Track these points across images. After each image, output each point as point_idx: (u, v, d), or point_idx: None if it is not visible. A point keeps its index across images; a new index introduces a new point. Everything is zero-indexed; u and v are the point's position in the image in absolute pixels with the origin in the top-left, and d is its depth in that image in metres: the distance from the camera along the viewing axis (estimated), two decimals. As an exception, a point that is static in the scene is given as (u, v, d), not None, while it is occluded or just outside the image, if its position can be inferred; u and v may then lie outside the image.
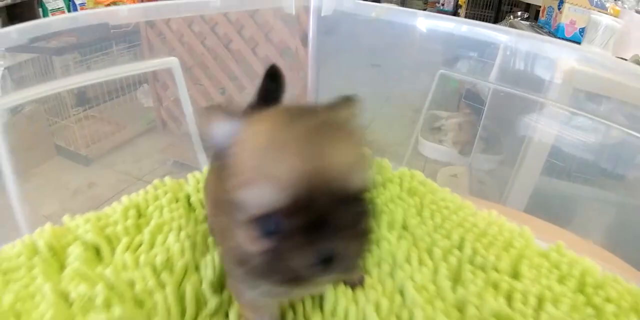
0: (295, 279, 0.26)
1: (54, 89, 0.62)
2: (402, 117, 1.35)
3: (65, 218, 0.55)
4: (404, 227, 0.54)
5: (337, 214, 0.25)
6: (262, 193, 0.25)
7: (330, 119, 0.28)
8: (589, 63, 0.70)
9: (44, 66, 1.58)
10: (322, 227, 0.25)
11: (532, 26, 1.75)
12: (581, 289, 0.49)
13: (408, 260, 0.49)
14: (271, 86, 0.47)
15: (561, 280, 0.50)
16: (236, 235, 0.28)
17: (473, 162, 1.43)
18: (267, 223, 0.25)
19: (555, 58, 0.74)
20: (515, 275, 0.49)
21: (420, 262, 0.49)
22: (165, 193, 0.58)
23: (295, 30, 1.27)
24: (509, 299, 0.46)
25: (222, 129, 0.29)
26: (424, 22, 0.77)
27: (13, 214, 0.60)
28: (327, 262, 0.25)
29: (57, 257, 0.50)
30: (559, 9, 1.41)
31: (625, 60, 1.26)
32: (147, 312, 0.42)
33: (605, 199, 0.98)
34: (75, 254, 0.49)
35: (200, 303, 0.44)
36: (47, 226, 0.54)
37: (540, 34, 1.60)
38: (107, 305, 0.42)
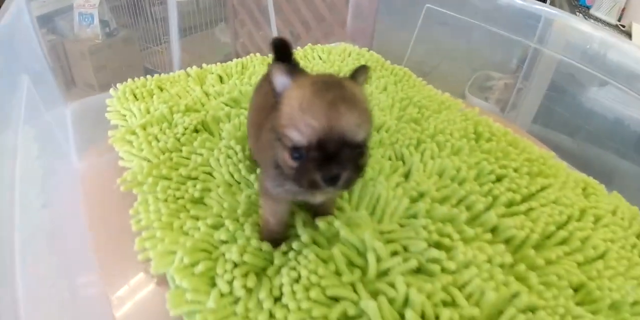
0: (312, 186, 0.40)
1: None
2: (456, 74, 1.49)
3: (203, 65, 1.01)
4: (385, 88, 0.95)
5: (341, 154, 0.39)
6: (294, 135, 0.40)
7: (348, 91, 0.40)
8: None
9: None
10: (332, 160, 0.39)
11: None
12: (475, 126, 0.87)
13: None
14: (283, 57, 0.63)
15: (464, 118, 0.88)
16: (280, 152, 0.43)
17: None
18: (296, 152, 0.41)
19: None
20: (437, 111, 0.89)
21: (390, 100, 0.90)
22: (258, 58, 1.03)
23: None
24: (427, 118, 0.86)
25: (279, 80, 0.43)
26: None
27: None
28: (331, 180, 0.39)
29: (200, 79, 0.96)
30: (584, -20, 1.64)
31: (623, 26, 1.51)
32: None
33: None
34: (209, 78, 0.95)
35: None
36: (194, 67, 1.00)
37: (571, 2, 1.83)
38: (232, 99, 0.87)
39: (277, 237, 0.57)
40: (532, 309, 0.53)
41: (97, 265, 0.62)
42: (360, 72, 0.45)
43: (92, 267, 0.62)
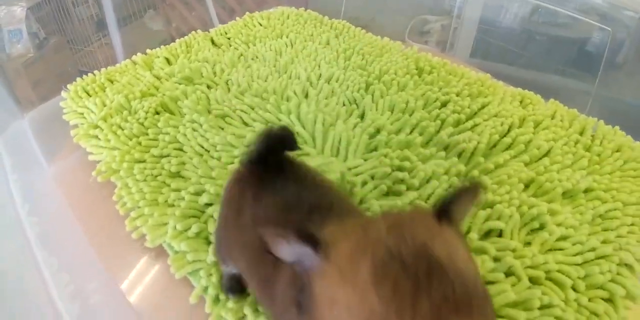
0: None
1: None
2: (394, 23, 1.52)
3: (147, 51, 1.02)
4: (327, 43, 0.99)
5: None
6: None
7: (452, 273, 0.22)
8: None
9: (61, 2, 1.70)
10: None
11: None
12: (416, 62, 0.92)
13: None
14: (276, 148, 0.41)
15: (405, 57, 0.94)
16: None
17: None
18: None
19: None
20: (379, 55, 0.94)
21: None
22: (200, 35, 1.04)
23: None
24: (371, 63, 0.91)
25: (300, 255, 0.25)
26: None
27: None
28: None
29: (148, 64, 0.97)
30: None
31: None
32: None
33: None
34: (157, 62, 0.97)
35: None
36: (139, 54, 1.01)
37: None
38: (184, 78, 0.89)
39: None
40: (490, 206, 0.61)
41: (97, 258, 0.65)
42: (458, 201, 0.27)
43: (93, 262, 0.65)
